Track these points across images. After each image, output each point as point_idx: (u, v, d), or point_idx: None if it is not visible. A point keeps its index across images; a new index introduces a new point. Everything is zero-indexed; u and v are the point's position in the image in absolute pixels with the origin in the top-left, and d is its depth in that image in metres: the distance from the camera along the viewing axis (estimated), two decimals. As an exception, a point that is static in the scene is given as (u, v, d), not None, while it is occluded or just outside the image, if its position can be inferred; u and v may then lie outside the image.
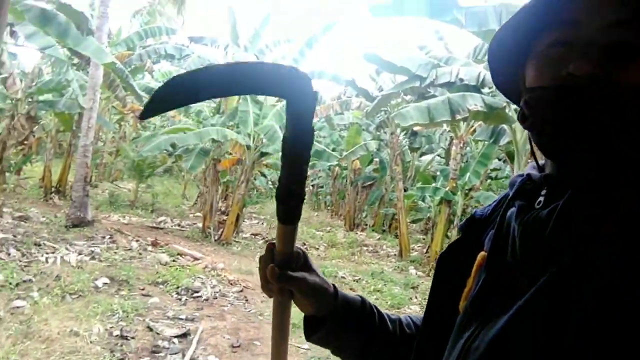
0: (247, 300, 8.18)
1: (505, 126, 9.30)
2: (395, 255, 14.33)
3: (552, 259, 0.63)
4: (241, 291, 8.58)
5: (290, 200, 0.83)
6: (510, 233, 0.75)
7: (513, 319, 0.64)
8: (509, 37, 0.75)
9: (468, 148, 13.90)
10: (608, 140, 0.61)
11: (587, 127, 0.62)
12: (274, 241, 0.91)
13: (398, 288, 10.32)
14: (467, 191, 12.78)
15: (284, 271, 0.88)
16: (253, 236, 14.86)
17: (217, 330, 6.57)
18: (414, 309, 9.25)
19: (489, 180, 15.03)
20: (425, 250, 14.37)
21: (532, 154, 0.80)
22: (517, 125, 8.86)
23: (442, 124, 9.15)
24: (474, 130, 12.21)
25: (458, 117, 8.08)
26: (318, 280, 0.94)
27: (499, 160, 14.06)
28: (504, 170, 15.59)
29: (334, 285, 0.98)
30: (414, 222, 17.05)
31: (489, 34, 7.88)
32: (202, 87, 0.72)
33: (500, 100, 8.38)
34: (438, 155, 18.16)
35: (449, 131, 13.75)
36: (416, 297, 10.02)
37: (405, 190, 14.47)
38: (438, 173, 14.99)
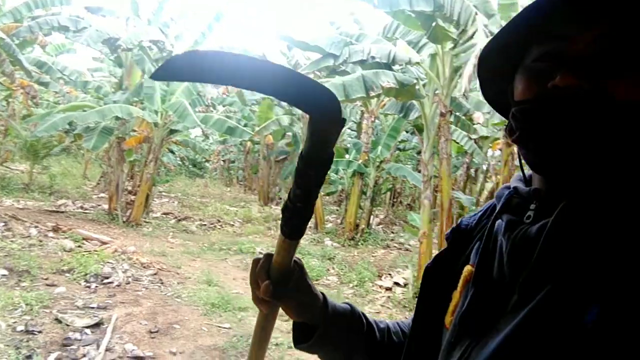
0: (162, 283, 7.94)
1: (414, 101, 9.63)
2: (310, 227, 14.54)
3: (545, 276, 0.62)
4: (155, 274, 8.30)
5: (298, 217, 0.81)
6: (498, 248, 0.74)
7: (509, 338, 0.62)
8: (497, 51, 0.74)
9: (378, 121, 14.29)
10: (597, 154, 0.61)
11: (574, 142, 0.61)
12: (271, 252, 0.89)
13: (315, 260, 10.51)
14: (378, 163, 13.19)
15: (279, 288, 0.87)
16: (164, 215, 14.36)
17: (133, 316, 6.32)
18: (332, 280, 9.50)
19: (397, 152, 15.60)
20: (339, 222, 14.72)
21: (520, 166, 0.80)
22: (426, 101, 9.23)
23: (356, 100, 9.27)
24: (384, 105, 12.56)
25: (372, 93, 8.24)
26: (310, 295, 0.93)
27: (407, 132, 14.60)
28: (411, 142, 16.23)
29: (323, 295, 0.97)
30: (327, 194, 17.36)
31: (399, 14, 8.05)
32: (223, 70, 0.68)
33: (411, 77, 8.65)
34: (349, 129, 18.50)
35: (360, 105, 14.01)
36: (333, 268, 10.28)
37: (318, 164, 14.61)
38: (350, 146, 15.29)
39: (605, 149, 0.61)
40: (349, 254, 11.69)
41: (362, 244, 12.83)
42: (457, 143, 12.62)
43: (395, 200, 18.01)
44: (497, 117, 13.93)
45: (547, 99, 0.63)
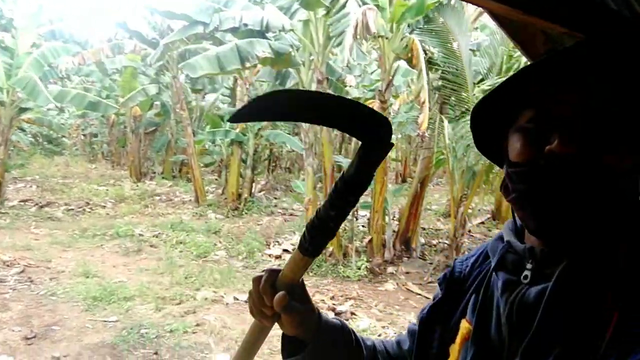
0: (32, 281, 7.22)
1: (291, 69, 9.58)
2: (191, 201, 14.09)
3: (548, 342, 0.63)
4: (22, 272, 7.52)
5: (325, 237, 0.82)
6: (495, 306, 0.75)
7: None
8: (491, 107, 0.75)
9: (252, 88, 14.04)
10: (592, 219, 0.63)
11: (571, 208, 0.63)
12: (274, 268, 0.90)
13: (201, 236, 10.25)
14: (256, 131, 13.04)
15: (292, 302, 0.86)
16: (22, 203, 12.89)
17: (2, 323, 5.69)
18: (221, 255, 9.35)
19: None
20: (221, 192, 14.44)
21: (513, 218, 0.81)
22: (302, 68, 9.21)
23: (232, 72, 8.97)
24: (258, 71, 12.34)
25: (248, 64, 8.04)
26: (309, 309, 0.93)
27: (281, 97, 14.59)
28: (285, 106, 16.24)
29: (318, 310, 0.97)
30: (206, 165, 16.88)
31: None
32: (291, 108, 0.74)
33: (285, 44, 8.55)
34: (222, 95, 17.97)
35: (234, 72, 13.60)
36: (220, 242, 10.11)
37: (193, 134, 14.09)
38: (223, 114, 14.89)
39: (600, 213, 0.63)
40: (235, 224, 11.56)
41: (246, 213, 12.76)
42: (332, 106, 12.89)
43: (274, 165, 18.08)
44: (367, 80, 14.50)
45: (543, 166, 0.65)
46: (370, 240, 9.00)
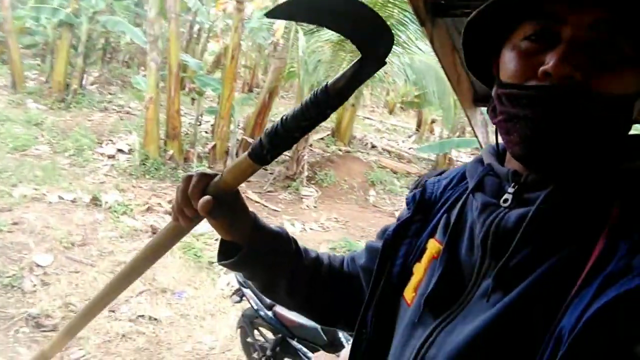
0: None
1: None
2: (7, 86, 12.16)
3: (522, 268, 0.61)
4: None
5: (284, 146, 0.76)
6: (468, 227, 0.72)
7: (486, 328, 0.61)
8: (484, 20, 0.68)
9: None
10: (581, 148, 0.61)
11: (561, 136, 0.60)
12: (206, 172, 0.82)
13: (19, 127, 9.02)
14: (91, 14, 11.49)
15: (217, 207, 0.80)
16: None
17: None
18: (43, 150, 8.40)
19: (111, 2, 13.78)
20: (45, 80, 12.72)
21: (496, 141, 0.76)
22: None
23: None
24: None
25: None
26: (243, 215, 0.88)
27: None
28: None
29: (254, 215, 0.91)
30: (27, 47, 14.52)
31: None
32: (329, 10, 0.69)
33: None
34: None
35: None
36: (42, 136, 9.04)
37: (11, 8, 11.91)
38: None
39: (589, 142, 0.61)
40: (61, 118, 10.37)
41: (75, 106, 11.47)
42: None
43: (111, 57, 16.32)
44: (222, -25, 13.50)
45: (536, 89, 0.61)
46: (214, 147, 8.86)
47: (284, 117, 0.76)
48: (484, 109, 3.71)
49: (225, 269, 1.87)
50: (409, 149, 13.88)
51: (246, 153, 0.79)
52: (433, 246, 0.77)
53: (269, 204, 8.09)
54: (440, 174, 0.91)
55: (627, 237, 0.56)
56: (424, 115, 15.50)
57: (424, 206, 0.84)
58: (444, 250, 0.73)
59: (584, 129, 0.60)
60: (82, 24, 11.56)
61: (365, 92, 10.05)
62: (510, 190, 0.67)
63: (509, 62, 0.66)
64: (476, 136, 3.72)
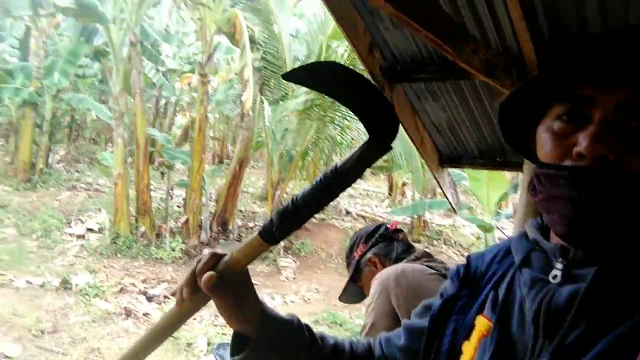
0: None
1: (99, 26, 8.68)
2: (-33, 171, 11.96)
3: (579, 344, 0.62)
4: None
5: (295, 224, 0.77)
6: (517, 303, 0.72)
7: None
8: (518, 102, 0.73)
9: (49, 41, 12.33)
10: (621, 226, 0.63)
11: (599, 215, 0.62)
12: (217, 252, 0.81)
13: (-19, 212, 8.79)
14: (55, 93, 11.55)
15: (222, 282, 0.79)
16: None
17: None
18: (10, 232, 8.15)
19: (75, 78, 13.88)
20: (9, 161, 12.53)
21: (540, 217, 0.76)
22: (113, 27, 8.39)
23: (21, 17, 7.78)
24: (58, 23, 10.92)
25: (43, 12, 7.06)
26: (250, 298, 0.85)
27: (86, 57, 13.03)
28: (91, 68, 14.66)
29: (263, 302, 0.88)
30: (-11, 129, 14.43)
31: None
32: (334, 81, 0.74)
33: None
34: (12, 47, 15.40)
35: (24, 19, 11.76)
36: (8, 218, 8.79)
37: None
38: (12, 69, 12.64)
39: (627, 219, 0.63)
40: (27, 199, 10.16)
41: (41, 185, 11.29)
42: (145, 75, 12.08)
43: (77, 134, 16.31)
44: (185, 52, 13.91)
45: (571, 170, 0.64)
46: (187, 221, 8.76)
47: (295, 197, 0.78)
48: (451, 170, 3.84)
49: (206, 351, 1.78)
50: (383, 212, 13.99)
51: (256, 232, 0.80)
52: (482, 323, 0.75)
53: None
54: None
55: None
56: (395, 179, 15.79)
57: (469, 281, 0.83)
58: (495, 328, 0.72)
59: (620, 206, 0.62)
60: (45, 103, 11.60)
61: (336, 157, 10.23)
62: (559, 266, 0.67)
63: (544, 143, 0.69)
64: (446, 197, 3.83)
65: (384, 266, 1.89)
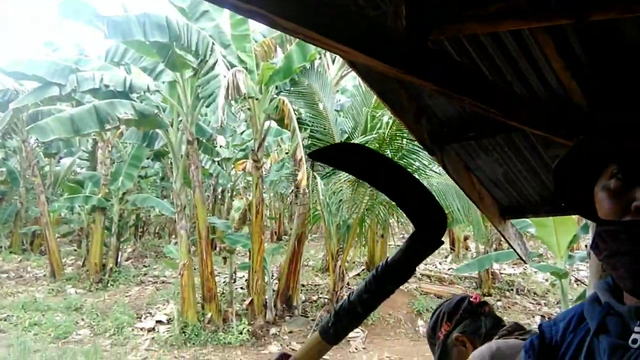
0: None
1: (159, 130, 9.31)
2: (45, 276, 12.61)
3: None
4: None
5: (352, 323, 0.77)
6: None
7: None
8: (574, 163, 0.76)
9: (115, 150, 13.31)
10: None
11: None
12: (287, 353, 0.83)
13: (59, 315, 9.16)
14: (121, 195, 12.28)
15: None
16: None
17: None
18: (84, 333, 8.42)
19: (138, 179, 14.78)
20: (82, 264, 13.17)
21: (611, 277, 0.75)
22: (171, 129, 9.00)
23: (89, 135, 8.47)
24: (121, 133, 11.79)
25: (108, 126, 7.67)
26: None
27: (147, 159, 13.95)
28: (152, 168, 15.59)
29: None
30: (63, 236, 15.35)
31: (132, 42, 7.62)
32: (366, 166, 0.73)
33: (151, 106, 8.34)
34: (80, 159, 16.73)
35: (93, 134, 12.83)
36: (83, 320, 9.11)
37: (47, 202, 12.82)
38: (82, 179, 13.74)
39: None
40: (99, 299, 10.54)
41: (112, 285, 11.72)
42: (203, 167, 12.69)
43: (142, 230, 17.05)
44: (238, 140, 14.59)
45: (632, 225, 0.65)
46: (251, 302, 8.77)
47: (350, 293, 0.78)
48: (515, 221, 3.73)
49: None
50: (448, 269, 13.53)
51: (317, 331, 0.80)
52: None
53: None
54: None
55: None
56: (456, 233, 15.39)
57: (545, 353, 0.80)
58: None
59: None
60: (113, 206, 12.30)
61: (392, 220, 10.14)
62: (637, 329, 0.65)
63: (602, 202, 0.70)
64: (513, 248, 3.70)
65: (474, 345, 1.75)
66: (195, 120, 8.88)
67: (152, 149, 10.75)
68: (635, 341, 0.64)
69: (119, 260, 13.05)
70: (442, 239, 0.74)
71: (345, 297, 0.78)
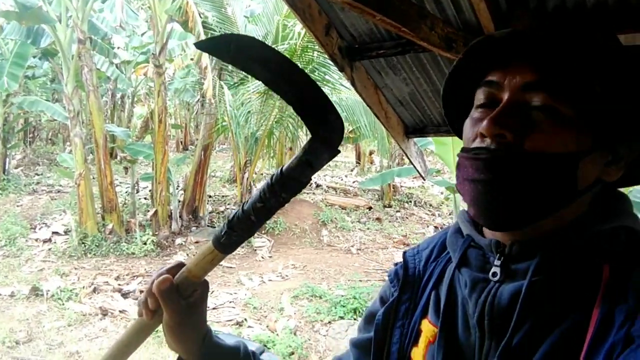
0: None
1: (45, 26, 8.31)
2: None
3: (527, 345, 0.60)
4: None
5: (245, 232, 0.74)
6: (460, 305, 0.70)
7: None
8: (452, 89, 0.73)
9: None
10: (528, 205, 0.62)
11: (501, 193, 0.62)
12: (183, 262, 0.79)
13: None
14: (5, 97, 11.08)
15: (174, 292, 0.76)
16: None
17: None
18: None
19: (25, 80, 13.37)
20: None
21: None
22: (59, 26, 8.07)
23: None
24: (0, 27, 10.39)
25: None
26: (198, 318, 0.81)
27: (34, 57, 12.54)
28: (40, 68, 14.12)
29: (209, 328, 0.84)
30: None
31: None
32: (259, 62, 0.68)
33: (35, -5, 7.35)
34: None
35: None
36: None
37: None
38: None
39: (535, 199, 0.62)
40: (-14, 208, 9.81)
41: (0, 193, 10.91)
42: (99, 70, 11.68)
43: (33, 136, 15.72)
44: (137, 41, 13.48)
45: (473, 151, 0.64)
46: (155, 213, 8.61)
47: (243, 204, 0.75)
48: (417, 139, 3.87)
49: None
50: (353, 182, 14.08)
51: (210, 242, 0.77)
52: (428, 329, 0.74)
53: (222, 261, 7.90)
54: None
55: (622, 301, 0.56)
56: (362, 148, 15.85)
57: (409, 283, 0.80)
58: (440, 334, 0.70)
59: (519, 185, 0.61)
60: (-4, 109, 11.13)
61: (301, 133, 10.17)
62: (497, 262, 0.66)
63: (465, 129, 0.69)
64: (414, 166, 3.87)
65: None
66: (87, 17, 8.01)
67: (39, 47, 9.64)
68: (495, 274, 0.65)
69: (6, 167, 12.07)
70: (339, 148, 0.70)
71: (239, 208, 0.75)
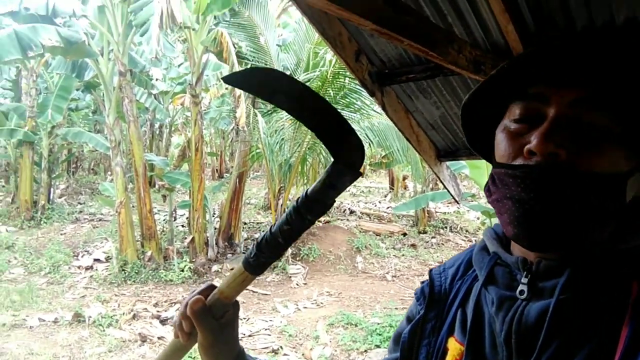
0: None
1: (88, 60, 8.72)
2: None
3: (558, 358, 0.60)
4: None
5: (273, 254, 0.77)
6: (487, 323, 0.69)
7: None
8: (478, 104, 0.71)
9: (41, 80, 12.40)
10: (572, 226, 0.60)
11: (546, 213, 0.60)
12: (214, 284, 0.82)
13: (-11, 254, 8.79)
14: (50, 129, 11.60)
15: (207, 312, 0.79)
16: None
17: None
18: (18, 272, 8.15)
19: (69, 112, 13.97)
20: (11, 201, 12.55)
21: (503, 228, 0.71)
22: (101, 59, 8.45)
23: (11, 62, 7.80)
24: (46, 62, 10.96)
25: (31, 53, 7.05)
26: (231, 339, 0.85)
27: (77, 90, 13.11)
28: (83, 100, 14.73)
29: (241, 347, 0.89)
30: (-13, 171, 14.46)
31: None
32: (281, 93, 0.71)
33: (78, 32, 7.73)
34: (3, 88, 15.48)
35: (16, 62, 11.84)
36: (15, 258, 8.79)
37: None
38: (6, 110, 12.76)
39: (579, 221, 0.60)
40: (32, 237, 10.17)
41: (45, 222, 11.31)
42: (138, 101, 12.12)
43: (76, 166, 16.34)
44: (174, 73, 13.96)
45: (521, 169, 0.62)
46: (192, 240, 8.74)
47: (271, 227, 0.77)
48: (451, 163, 3.84)
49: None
50: (387, 208, 13.96)
51: (240, 263, 0.80)
52: (454, 347, 0.73)
53: (257, 289, 7.92)
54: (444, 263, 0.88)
55: None
56: (395, 173, 15.76)
57: (435, 301, 0.80)
58: (467, 353, 0.69)
59: (570, 206, 0.59)
60: (42, 140, 11.63)
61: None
62: (524, 280, 0.65)
63: (500, 143, 0.67)
64: (447, 190, 3.83)
65: None
66: (127, 50, 8.36)
67: (82, 80, 10.10)
68: (522, 292, 0.64)
69: (51, 197, 12.53)
70: (360, 171, 0.72)
71: (268, 231, 0.78)
